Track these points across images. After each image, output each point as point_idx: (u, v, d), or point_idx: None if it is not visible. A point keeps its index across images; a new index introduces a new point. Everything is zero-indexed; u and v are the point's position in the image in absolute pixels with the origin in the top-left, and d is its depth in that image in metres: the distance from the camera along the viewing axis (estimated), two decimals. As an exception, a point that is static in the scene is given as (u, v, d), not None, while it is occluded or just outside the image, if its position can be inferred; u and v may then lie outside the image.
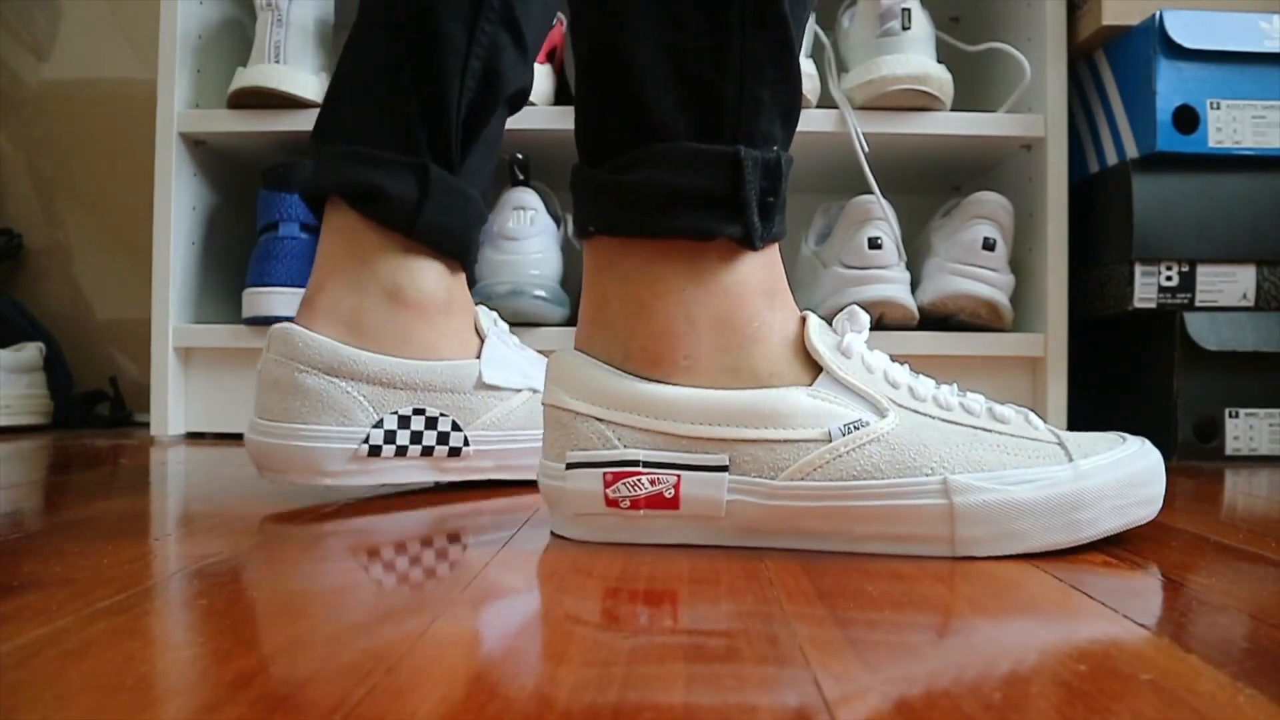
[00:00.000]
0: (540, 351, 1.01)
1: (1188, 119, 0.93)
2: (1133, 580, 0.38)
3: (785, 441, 0.43)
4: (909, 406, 0.44)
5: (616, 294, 0.46)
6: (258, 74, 1.02)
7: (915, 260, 1.07)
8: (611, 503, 0.44)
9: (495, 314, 0.66)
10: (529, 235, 1.01)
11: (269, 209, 1.03)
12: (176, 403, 1.06)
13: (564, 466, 0.45)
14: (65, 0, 1.40)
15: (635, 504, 0.44)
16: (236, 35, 1.18)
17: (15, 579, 0.36)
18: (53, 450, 0.91)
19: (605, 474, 0.44)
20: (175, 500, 0.59)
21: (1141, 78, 0.94)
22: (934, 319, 1.04)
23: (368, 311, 0.58)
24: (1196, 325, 0.93)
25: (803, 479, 0.43)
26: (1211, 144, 0.92)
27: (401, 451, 0.59)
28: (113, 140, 1.39)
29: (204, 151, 1.11)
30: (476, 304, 0.63)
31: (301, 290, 0.59)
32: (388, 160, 0.58)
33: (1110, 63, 1.01)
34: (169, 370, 1.05)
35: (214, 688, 0.25)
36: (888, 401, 0.44)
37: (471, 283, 0.67)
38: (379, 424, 0.58)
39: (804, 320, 0.46)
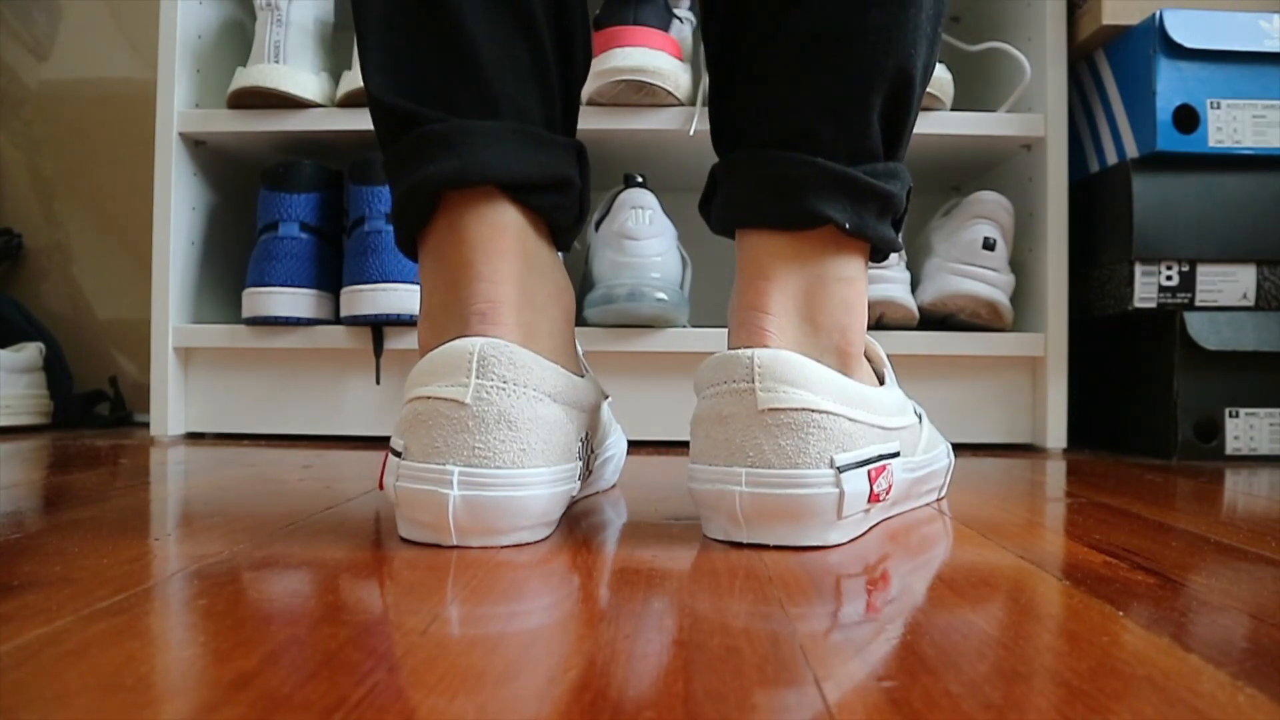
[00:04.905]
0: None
1: (1188, 118, 0.93)
2: (1133, 580, 0.38)
3: (909, 427, 0.52)
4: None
5: (824, 291, 0.47)
6: (258, 74, 1.02)
7: (915, 260, 1.07)
8: (874, 497, 0.45)
9: None
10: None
11: (269, 209, 1.03)
12: (176, 403, 1.06)
13: (834, 471, 0.43)
14: (65, 0, 1.40)
15: (885, 495, 0.46)
16: (236, 35, 1.18)
17: (15, 579, 0.36)
18: (53, 450, 0.91)
19: (870, 471, 0.45)
20: (175, 500, 0.59)
21: (1141, 77, 0.94)
22: (934, 319, 1.04)
23: (542, 324, 0.48)
24: (1196, 325, 0.93)
25: (923, 454, 0.54)
26: (1211, 144, 0.92)
27: None
28: (113, 140, 1.39)
29: (204, 151, 1.11)
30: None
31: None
32: (549, 140, 0.48)
33: (1110, 62, 1.01)
34: (169, 370, 1.05)
35: (214, 688, 0.25)
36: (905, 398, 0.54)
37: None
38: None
39: None
